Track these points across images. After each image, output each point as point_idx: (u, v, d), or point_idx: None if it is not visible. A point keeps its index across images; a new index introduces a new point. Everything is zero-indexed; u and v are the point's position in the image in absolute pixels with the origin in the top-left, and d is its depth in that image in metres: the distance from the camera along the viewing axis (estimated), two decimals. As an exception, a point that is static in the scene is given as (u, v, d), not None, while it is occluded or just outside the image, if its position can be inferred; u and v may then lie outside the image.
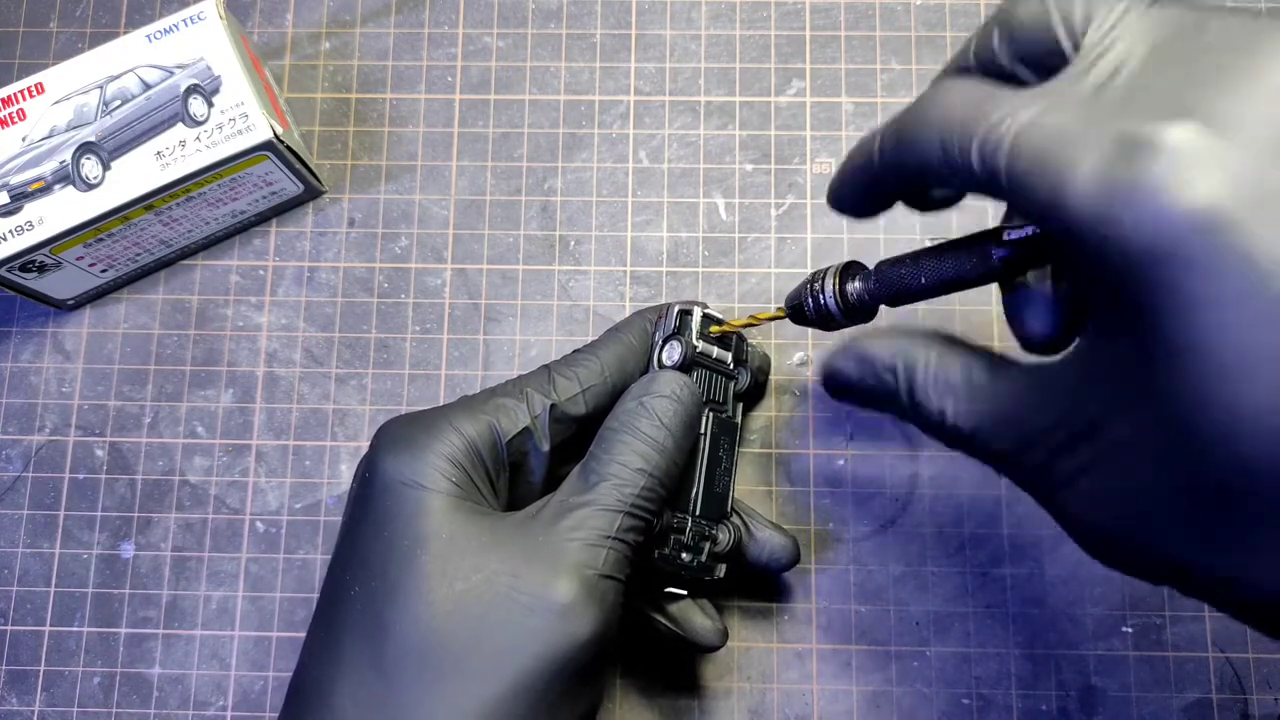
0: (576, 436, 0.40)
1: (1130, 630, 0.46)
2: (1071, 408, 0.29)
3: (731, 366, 0.44)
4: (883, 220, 0.50)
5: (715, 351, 0.43)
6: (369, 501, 0.37)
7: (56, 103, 0.46)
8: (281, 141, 0.46)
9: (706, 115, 0.52)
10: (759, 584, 0.47)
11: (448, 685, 0.33)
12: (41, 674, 0.47)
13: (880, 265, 0.36)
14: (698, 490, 0.42)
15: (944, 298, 0.37)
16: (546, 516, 0.36)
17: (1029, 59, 0.31)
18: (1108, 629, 0.46)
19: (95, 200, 0.45)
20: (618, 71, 0.52)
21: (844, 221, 0.50)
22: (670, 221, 0.51)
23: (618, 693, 0.46)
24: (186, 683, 0.47)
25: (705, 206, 0.51)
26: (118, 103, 0.46)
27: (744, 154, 0.51)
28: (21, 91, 0.46)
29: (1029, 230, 0.32)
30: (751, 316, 0.42)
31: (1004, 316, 0.34)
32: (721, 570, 0.43)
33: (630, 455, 0.37)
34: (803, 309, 0.38)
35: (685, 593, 0.43)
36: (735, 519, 0.44)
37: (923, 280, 0.34)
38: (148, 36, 0.46)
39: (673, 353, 0.41)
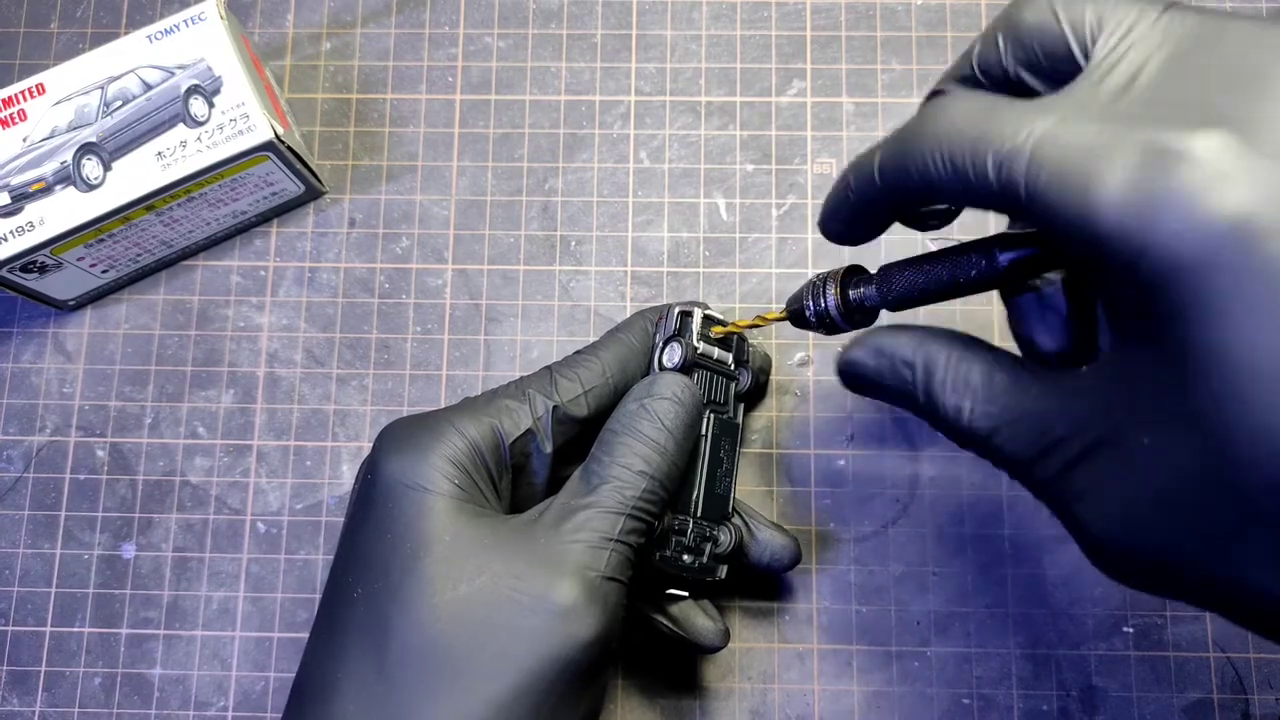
0: (579, 438, 0.40)
1: (1131, 630, 0.46)
2: (1093, 417, 0.28)
3: (732, 367, 0.44)
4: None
5: (716, 352, 0.43)
6: (371, 503, 0.37)
7: (57, 103, 0.46)
8: (282, 142, 0.46)
9: (707, 115, 0.52)
10: (760, 584, 0.47)
11: (450, 687, 0.33)
12: (42, 674, 0.47)
13: (883, 269, 0.36)
14: (699, 492, 0.42)
15: (944, 302, 0.37)
16: (549, 519, 0.36)
17: (1036, 67, 0.30)
18: (1108, 629, 0.46)
19: (96, 201, 0.45)
20: (618, 72, 0.52)
21: (845, 222, 0.50)
22: (671, 222, 0.51)
23: (619, 693, 0.46)
24: (187, 683, 0.47)
25: (706, 207, 0.51)
26: (118, 103, 0.46)
27: (745, 154, 0.51)
28: (22, 92, 0.46)
29: (1031, 244, 0.32)
30: (758, 317, 0.42)
31: (1006, 323, 0.34)
32: (723, 571, 0.43)
33: (632, 458, 0.37)
34: (804, 312, 0.38)
35: (687, 594, 0.43)
36: (736, 520, 0.44)
37: (926, 285, 0.34)
38: (148, 37, 0.46)
39: (674, 354, 0.41)
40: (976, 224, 0.49)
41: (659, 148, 0.51)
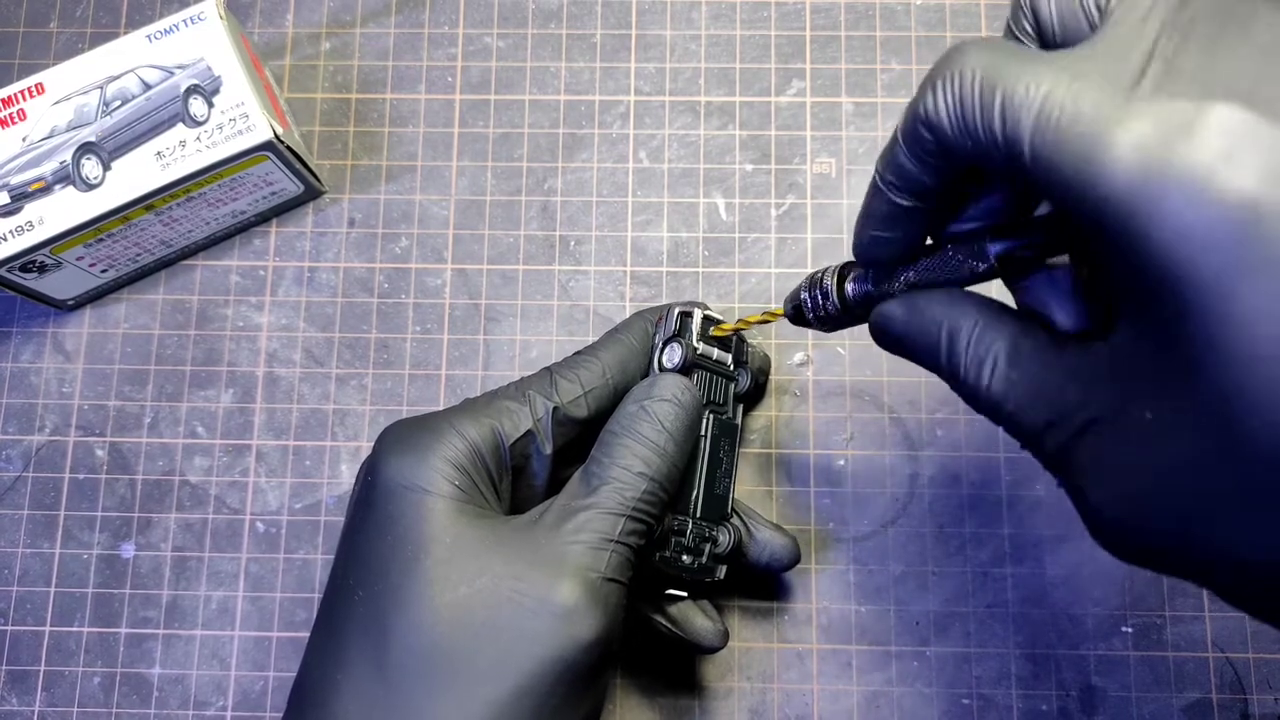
0: (579, 439, 0.40)
1: (1130, 630, 0.46)
2: (1099, 390, 0.28)
3: (732, 368, 0.44)
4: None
5: (715, 353, 0.43)
6: (371, 505, 0.37)
7: (57, 103, 0.46)
8: (281, 142, 0.46)
9: (706, 115, 0.52)
10: (759, 584, 0.47)
11: (451, 689, 0.33)
12: (42, 674, 0.47)
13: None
14: (698, 492, 0.42)
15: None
16: (549, 520, 0.36)
17: (1048, 26, 0.30)
18: (1108, 629, 0.46)
19: (95, 200, 0.45)
20: (618, 71, 0.52)
21: (844, 221, 0.50)
22: (670, 221, 0.51)
23: (619, 693, 0.46)
24: (187, 683, 0.47)
25: (705, 206, 0.51)
26: (118, 103, 0.46)
27: (744, 154, 0.51)
28: (22, 92, 0.46)
29: (1022, 235, 0.32)
30: (765, 313, 0.42)
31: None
32: (722, 571, 0.43)
33: (632, 459, 0.37)
34: (802, 309, 0.38)
35: (686, 594, 0.43)
36: (736, 520, 0.44)
37: (917, 280, 0.34)
38: (148, 37, 0.46)
39: (673, 355, 0.41)
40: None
41: (658, 147, 0.51)
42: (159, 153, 0.46)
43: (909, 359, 0.34)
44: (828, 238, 0.50)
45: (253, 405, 0.49)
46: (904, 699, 0.46)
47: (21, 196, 0.45)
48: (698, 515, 0.42)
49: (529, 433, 0.39)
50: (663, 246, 0.50)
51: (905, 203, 0.32)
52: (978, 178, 0.33)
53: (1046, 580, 0.47)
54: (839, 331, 0.40)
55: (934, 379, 0.46)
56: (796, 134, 0.51)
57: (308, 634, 0.38)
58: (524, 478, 0.40)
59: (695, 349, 0.42)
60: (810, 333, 0.49)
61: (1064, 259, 0.32)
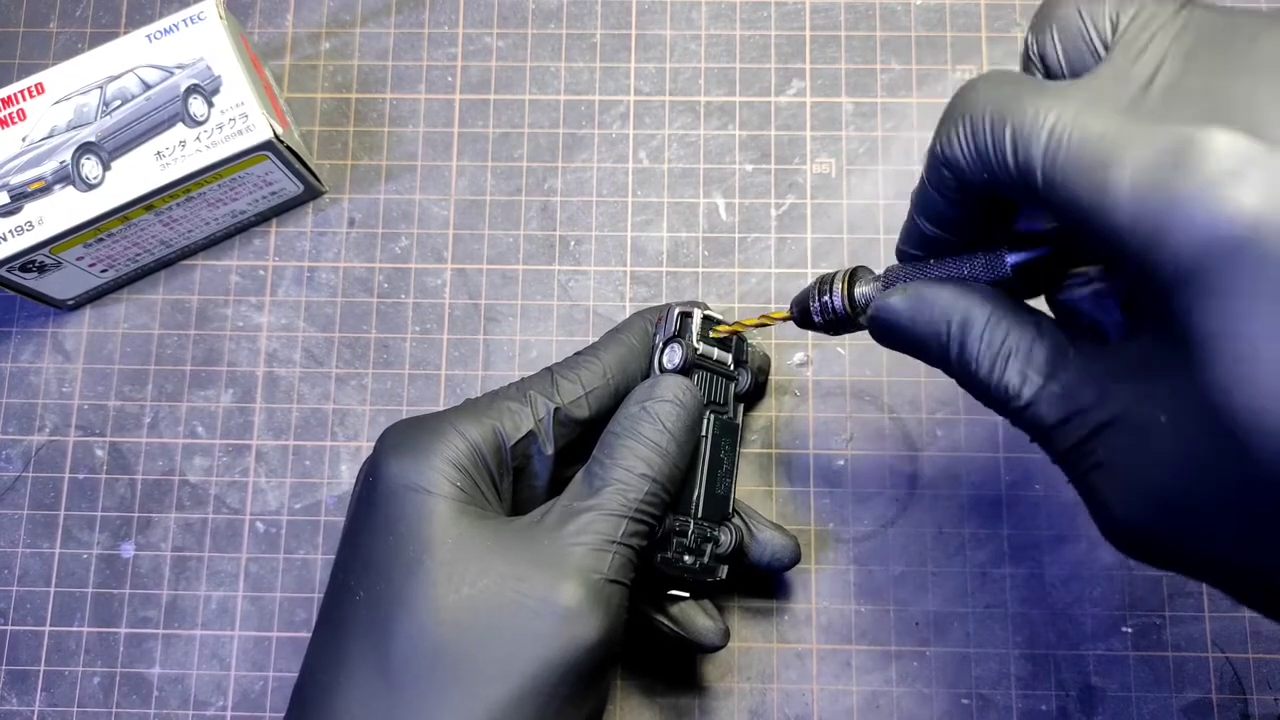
0: (580, 439, 0.40)
1: (1130, 630, 0.46)
2: (1116, 390, 0.29)
3: (732, 368, 0.44)
4: (882, 221, 0.50)
5: (716, 353, 0.43)
6: (373, 506, 0.37)
7: (56, 103, 0.46)
8: (281, 141, 0.46)
9: (706, 115, 0.52)
10: (760, 584, 0.47)
11: (453, 690, 0.33)
12: (41, 674, 0.47)
13: (889, 270, 0.36)
14: (699, 493, 0.42)
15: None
16: (551, 521, 0.36)
17: (1055, 56, 0.30)
18: (1107, 629, 0.46)
19: (95, 200, 0.45)
20: (618, 71, 0.52)
21: (844, 221, 0.50)
22: (670, 221, 0.51)
23: (619, 693, 0.46)
24: (186, 683, 0.47)
25: (705, 207, 0.51)
26: (118, 103, 0.46)
27: (744, 154, 0.51)
28: (21, 91, 0.46)
29: (1040, 245, 0.32)
30: (764, 316, 0.42)
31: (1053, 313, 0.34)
32: (723, 572, 0.43)
33: (634, 460, 0.37)
34: (809, 313, 0.38)
35: (687, 594, 0.43)
36: (736, 520, 0.44)
37: None
38: (148, 36, 0.46)
39: (674, 355, 0.41)
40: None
41: (658, 148, 0.51)
42: (159, 152, 0.45)
43: (910, 353, 0.34)
44: (827, 238, 0.50)
45: (253, 405, 0.49)
46: (903, 699, 0.46)
47: (21, 196, 0.45)
48: (699, 515, 0.42)
49: (530, 433, 0.39)
50: (662, 246, 0.50)
51: (939, 234, 0.33)
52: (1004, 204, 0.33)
53: (1046, 580, 0.47)
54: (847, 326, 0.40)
55: (934, 379, 0.46)
56: (796, 134, 0.51)
57: (308, 634, 0.38)
58: (525, 478, 0.40)
59: (696, 349, 0.42)
60: (810, 333, 0.49)
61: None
